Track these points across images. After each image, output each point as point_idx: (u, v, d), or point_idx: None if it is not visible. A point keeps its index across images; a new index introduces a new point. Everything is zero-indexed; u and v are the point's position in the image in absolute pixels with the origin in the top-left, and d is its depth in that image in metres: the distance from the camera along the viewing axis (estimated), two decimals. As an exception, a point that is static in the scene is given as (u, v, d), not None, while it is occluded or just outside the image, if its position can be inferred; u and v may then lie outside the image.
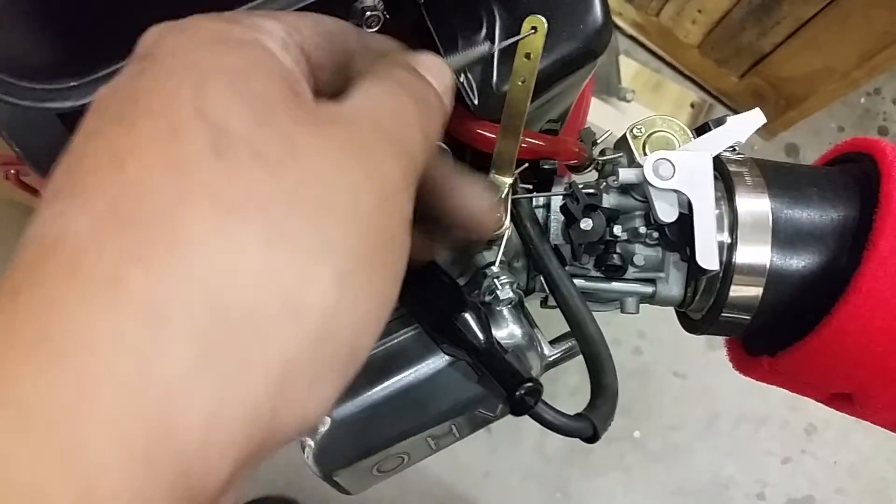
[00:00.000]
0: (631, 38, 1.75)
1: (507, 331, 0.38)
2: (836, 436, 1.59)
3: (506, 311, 0.38)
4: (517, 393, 0.28)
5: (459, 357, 0.32)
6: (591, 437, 0.32)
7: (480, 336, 0.31)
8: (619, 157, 0.43)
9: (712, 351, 1.56)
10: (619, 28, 1.75)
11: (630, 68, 1.69)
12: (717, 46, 1.56)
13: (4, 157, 0.79)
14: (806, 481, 1.56)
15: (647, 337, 1.58)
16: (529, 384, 0.28)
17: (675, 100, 1.65)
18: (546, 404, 0.31)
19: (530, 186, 0.40)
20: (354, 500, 1.47)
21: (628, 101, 1.52)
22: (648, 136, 0.43)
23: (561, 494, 1.49)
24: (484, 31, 0.40)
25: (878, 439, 1.59)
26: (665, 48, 1.69)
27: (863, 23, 1.26)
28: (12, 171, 0.81)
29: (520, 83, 0.33)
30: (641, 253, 0.41)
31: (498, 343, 0.32)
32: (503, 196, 0.37)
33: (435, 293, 0.32)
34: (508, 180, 0.36)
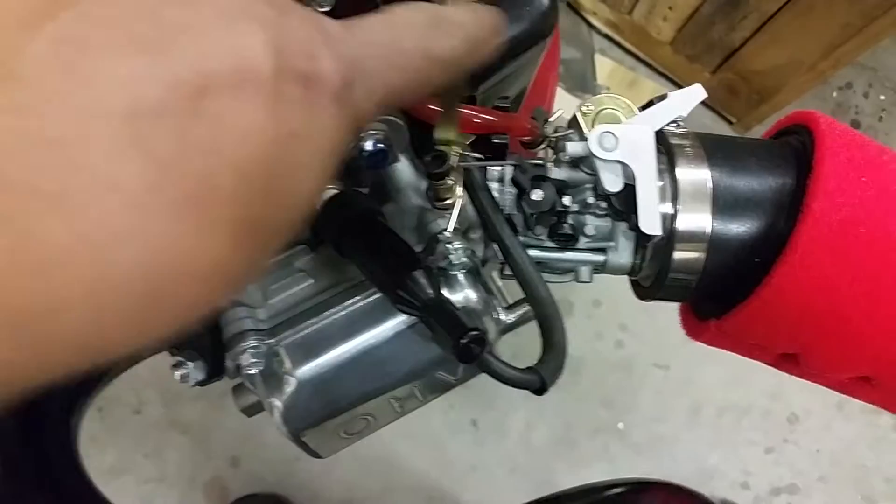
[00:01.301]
0: (606, 36, 1.78)
1: (463, 295, 0.40)
2: (818, 424, 1.61)
3: (461, 277, 0.40)
4: (462, 341, 0.30)
5: (411, 313, 0.34)
6: (539, 389, 0.34)
7: (429, 291, 0.33)
8: (570, 133, 0.45)
9: (693, 343, 1.58)
10: (593, 27, 1.78)
11: (605, 66, 1.72)
12: (689, 42, 1.59)
13: None
14: (789, 470, 1.59)
15: (629, 330, 1.61)
16: (475, 332, 0.30)
17: (651, 96, 1.67)
18: (496, 357, 0.33)
19: (481, 156, 0.42)
20: (343, 491, 1.48)
21: (604, 98, 1.54)
22: (597, 113, 0.45)
23: (547, 486, 1.51)
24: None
25: (859, 427, 1.61)
26: (639, 46, 1.72)
27: (825, 15, 1.29)
28: None
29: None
30: (592, 223, 0.43)
31: (448, 301, 0.34)
32: (454, 165, 0.39)
33: (388, 251, 0.34)
34: (456, 152, 0.38)
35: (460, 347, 0.30)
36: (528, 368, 0.34)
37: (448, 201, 0.39)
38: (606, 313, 1.60)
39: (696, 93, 0.44)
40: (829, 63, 1.34)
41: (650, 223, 0.40)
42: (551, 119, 0.46)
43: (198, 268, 0.19)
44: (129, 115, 0.17)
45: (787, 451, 1.60)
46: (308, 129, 0.21)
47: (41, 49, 0.17)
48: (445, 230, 0.39)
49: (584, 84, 1.63)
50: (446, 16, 0.26)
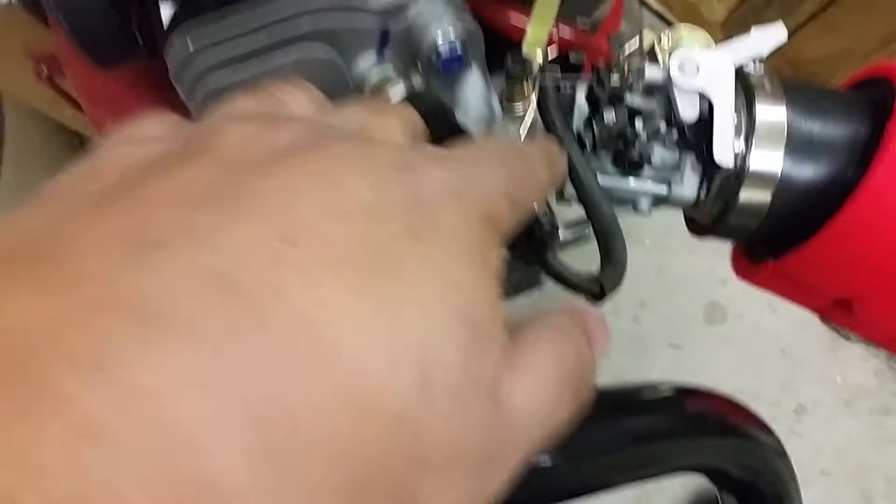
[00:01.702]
0: (655, 13, 1.76)
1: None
2: (825, 418, 1.61)
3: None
4: (534, 232, 0.30)
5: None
6: (598, 295, 0.34)
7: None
8: (645, 62, 0.45)
9: (710, 325, 1.58)
10: (644, 3, 1.75)
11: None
12: (741, 25, 1.57)
13: (39, 53, 0.80)
14: (792, 461, 1.59)
15: (647, 307, 1.60)
16: (546, 223, 0.30)
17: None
18: (558, 260, 0.33)
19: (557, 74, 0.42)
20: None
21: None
22: (675, 45, 0.44)
23: (549, 451, 1.52)
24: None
25: (866, 424, 1.61)
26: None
27: (886, 5, 1.26)
28: (45, 71, 0.81)
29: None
30: (659, 153, 0.43)
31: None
32: (534, 75, 0.38)
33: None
34: (539, 59, 0.38)
35: (533, 240, 0.30)
36: (590, 276, 0.34)
37: (519, 106, 0.39)
38: (625, 288, 1.59)
39: (777, 31, 0.44)
40: (884, 55, 1.32)
41: (724, 153, 0.39)
42: (627, 45, 0.45)
43: None
44: (188, 281, 0.16)
45: (791, 442, 1.57)
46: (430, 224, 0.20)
47: (97, 231, 0.16)
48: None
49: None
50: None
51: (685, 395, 0.45)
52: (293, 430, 0.15)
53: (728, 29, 1.61)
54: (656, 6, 1.73)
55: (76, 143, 1.40)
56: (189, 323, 0.14)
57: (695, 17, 1.66)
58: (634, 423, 0.43)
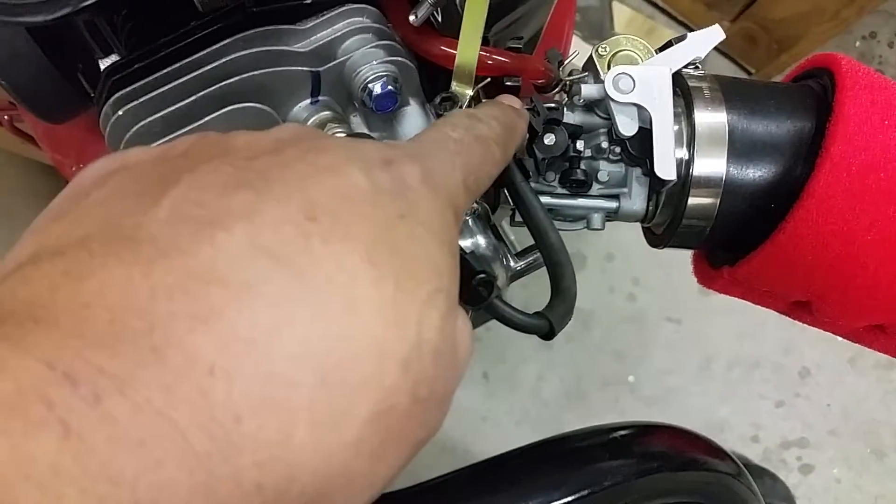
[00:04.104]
0: (627, -14, 1.74)
1: (472, 241, 0.39)
2: (830, 379, 1.61)
3: (471, 222, 0.40)
4: (472, 284, 0.30)
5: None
6: (548, 334, 0.34)
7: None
8: (585, 76, 0.44)
9: (706, 297, 1.57)
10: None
11: (623, 14, 1.68)
12: (715, -7, 1.56)
13: (-1, 104, 0.80)
14: (799, 423, 1.59)
15: (641, 284, 1.60)
16: (483, 276, 0.30)
17: (669, 46, 1.64)
18: (504, 302, 0.32)
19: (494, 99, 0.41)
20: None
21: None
22: (613, 55, 0.44)
23: (557, 438, 1.52)
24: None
25: (871, 381, 1.61)
26: (658, -6, 1.69)
27: (853, -39, 1.25)
28: (6, 118, 0.82)
29: (476, -6, 0.34)
30: (605, 169, 0.43)
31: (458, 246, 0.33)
32: (463, 107, 0.38)
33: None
34: (469, 91, 0.38)
35: (469, 291, 0.30)
36: (537, 313, 0.34)
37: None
38: (619, 267, 1.60)
39: (714, 34, 0.43)
40: (853, 10, 1.31)
41: (666, 168, 0.39)
42: (566, 62, 0.45)
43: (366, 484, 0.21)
44: (246, 253, 0.20)
45: (797, 405, 1.60)
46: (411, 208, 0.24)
47: (160, 216, 0.20)
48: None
49: (601, 32, 1.60)
50: (477, 110, 0.33)
51: (636, 435, 0.45)
52: (341, 369, 0.19)
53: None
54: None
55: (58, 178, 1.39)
56: (257, 286, 0.19)
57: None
58: (588, 470, 0.43)
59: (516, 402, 1.53)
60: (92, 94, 0.50)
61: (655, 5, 1.72)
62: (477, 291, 0.30)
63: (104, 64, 0.52)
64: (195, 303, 0.18)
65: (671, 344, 1.60)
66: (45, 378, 0.16)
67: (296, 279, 0.20)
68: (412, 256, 0.23)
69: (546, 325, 0.34)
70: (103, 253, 0.19)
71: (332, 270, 0.20)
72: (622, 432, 0.44)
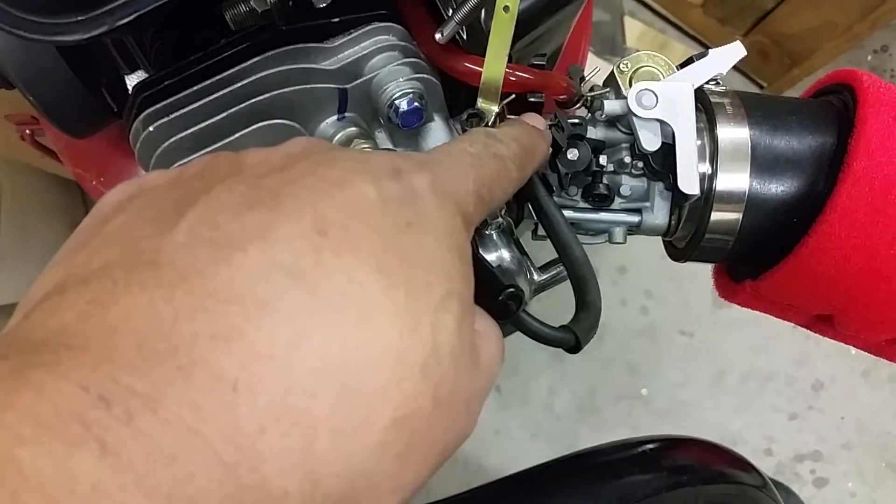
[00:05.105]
0: (636, -1, 1.75)
1: (497, 255, 0.40)
2: (843, 392, 1.60)
3: (495, 236, 0.40)
4: (499, 298, 0.30)
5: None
6: (574, 347, 0.34)
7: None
8: (607, 92, 0.45)
9: (719, 309, 1.57)
10: (623, -10, 1.75)
11: (635, 29, 1.69)
12: (721, 5, 1.56)
13: (20, 117, 0.81)
14: (813, 437, 1.58)
15: (654, 297, 1.60)
16: (511, 290, 0.30)
17: (681, 60, 1.65)
18: (530, 315, 0.33)
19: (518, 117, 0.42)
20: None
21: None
22: (634, 71, 0.44)
23: (570, 451, 1.52)
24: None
25: (885, 395, 1.60)
26: (669, 8, 1.69)
27: (864, -25, 1.25)
28: (28, 132, 0.83)
29: (503, 12, 0.35)
30: (627, 183, 0.43)
31: (483, 258, 0.34)
32: (489, 123, 0.38)
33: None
34: (495, 108, 0.38)
35: (497, 305, 0.30)
36: (563, 327, 0.34)
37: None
38: (632, 279, 1.60)
39: (735, 50, 0.44)
40: (865, 25, 1.31)
41: (689, 183, 0.39)
42: (587, 77, 0.45)
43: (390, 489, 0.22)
44: (262, 271, 0.20)
45: (811, 418, 1.59)
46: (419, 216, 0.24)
47: (178, 240, 0.21)
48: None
49: (613, 47, 1.61)
50: (497, 130, 0.34)
51: (664, 448, 0.45)
52: (359, 378, 0.20)
53: (708, 10, 1.60)
54: (636, -7, 1.73)
55: (77, 192, 1.41)
56: (274, 303, 0.20)
57: (674, 1, 1.65)
58: (618, 484, 0.43)
59: (529, 415, 1.53)
60: (116, 109, 0.51)
61: (667, 20, 1.72)
62: (505, 305, 0.30)
63: (130, 80, 0.53)
64: (216, 322, 0.19)
65: (684, 357, 1.59)
66: (81, 400, 0.17)
67: (310, 294, 0.20)
68: (422, 263, 0.23)
69: (572, 339, 0.34)
70: (126, 280, 0.20)
71: (344, 283, 0.21)
72: (650, 446, 0.45)
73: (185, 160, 0.40)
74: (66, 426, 0.16)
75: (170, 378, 0.18)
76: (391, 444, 0.21)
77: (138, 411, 0.17)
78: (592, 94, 0.45)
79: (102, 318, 0.19)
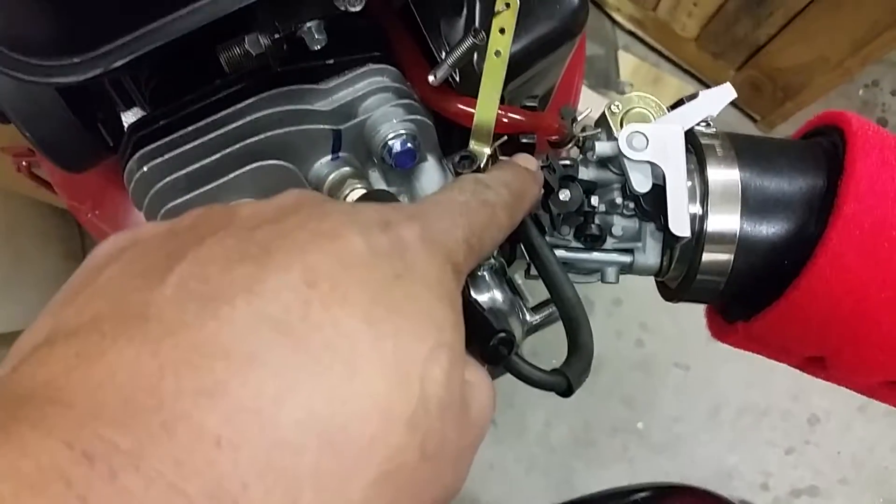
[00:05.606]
0: (629, 33, 1.77)
1: (489, 295, 0.40)
2: (839, 426, 1.60)
3: (487, 276, 0.40)
4: (491, 343, 0.30)
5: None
6: (566, 391, 0.34)
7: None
8: (598, 133, 0.45)
9: (714, 343, 1.56)
10: (617, 23, 1.77)
11: (629, 63, 1.71)
12: (714, 39, 1.58)
13: (16, 149, 0.82)
14: (809, 471, 1.57)
15: (649, 329, 1.60)
16: (503, 334, 0.30)
17: (675, 94, 1.66)
18: (522, 359, 0.33)
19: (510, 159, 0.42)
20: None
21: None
22: (626, 112, 0.45)
23: (565, 486, 1.51)
24: (465, 14, 0.42)
25: (881, 429, 1.59)
26: (663, 42, 1.71)
27: (854, 12, 1.27)
28: (24, 164, 0.83)
29: (495, 56, 0.35)
30: (619, 224, 0.43)
31: (475, 301, 0.34)
32: (482, 165, 0.39)
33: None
34: (487, 150, 0.39)
35: (489, 349, 0.30)
36: (554, 370, 0.34)
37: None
38: (627, 312, 1.60)
39: (726, 92, 0.44)
40: (857, 61, 1.33)
41: (679, 224, 0.40)
42: (579, 118, 0.46)
43: None
44: (249, 324, 0.20)
45: (807, 453, 1.58)
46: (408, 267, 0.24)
47: (167, 293, 0.21)
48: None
49: (607, 81, 1.62)
50: (486, 176, 0.34)
51: (655, 498, 0.45)
52: (345, 432, 0.20)
53: (701, 44, 1.62)
54: (629, 25, 1.75)
55: (73, 222, 1.41)
56: (260, 357, 0.20)
57: (668, 35, 1.68)
58: None
59: (524, 449, 1.52)
60: (112, 144, 0.51)
61: (661, 54, 1.75)
62: (496, 350, 0.30)
63: (126, 117, 0.53)
64: (201, 378, 0.19)
65: (680, 390, 1.59)
66: (65, 457, 0.17)
67: (297, 346, 0.20)
68: (410, 314, 0.23)
69: (564, 383, 0.34)
70: (113, 334, 0.20)
71: (332, 335, 0.21)
72: (641, 495, 0.44)
73: (179, 200, 0.40)
74: (47, 484, 0.16)
75: (153, 434, 0.18)
76: (376, 500, 0.21)
77: (122, 468, 0.17)
78: (584, 134, 0.46)
79: (88, 373, 0.19)
